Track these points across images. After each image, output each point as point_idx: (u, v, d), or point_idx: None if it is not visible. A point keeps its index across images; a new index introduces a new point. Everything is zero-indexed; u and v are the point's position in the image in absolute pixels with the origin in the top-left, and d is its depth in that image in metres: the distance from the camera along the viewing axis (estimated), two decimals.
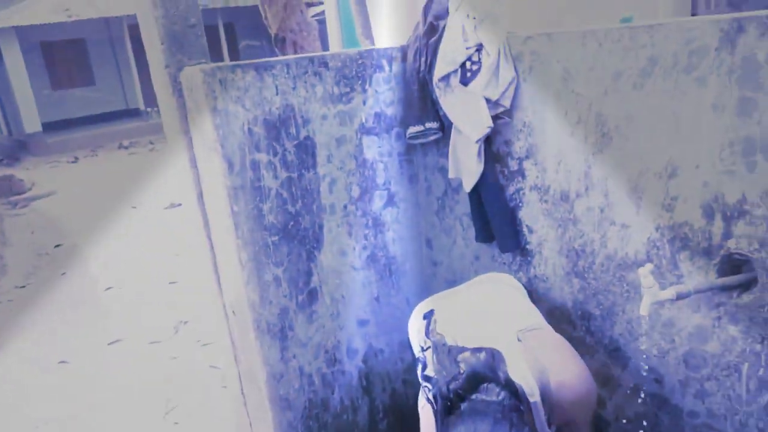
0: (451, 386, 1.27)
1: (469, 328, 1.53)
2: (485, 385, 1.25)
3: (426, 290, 2.17)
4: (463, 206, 2.00)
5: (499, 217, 1.84)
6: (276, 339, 1.80)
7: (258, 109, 1.68)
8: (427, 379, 1.41)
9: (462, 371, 1.28)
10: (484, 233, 1.91)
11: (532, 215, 1.80)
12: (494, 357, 1.30)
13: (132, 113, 15.75)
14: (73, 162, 11.50)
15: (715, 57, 1.30)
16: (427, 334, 1.55)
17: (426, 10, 1.92)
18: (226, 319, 1.92)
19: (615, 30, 1.49)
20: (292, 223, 1.78)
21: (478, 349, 1.32)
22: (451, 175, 1.91)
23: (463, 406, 1.24)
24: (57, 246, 6.27)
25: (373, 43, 3.25)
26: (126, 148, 12.61)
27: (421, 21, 1.92)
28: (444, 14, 1.88)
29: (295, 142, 1.76)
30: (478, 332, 1.49)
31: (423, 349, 1.53)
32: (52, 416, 3.19)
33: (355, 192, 1.95)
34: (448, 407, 1.26)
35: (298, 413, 1.90)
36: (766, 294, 1.31)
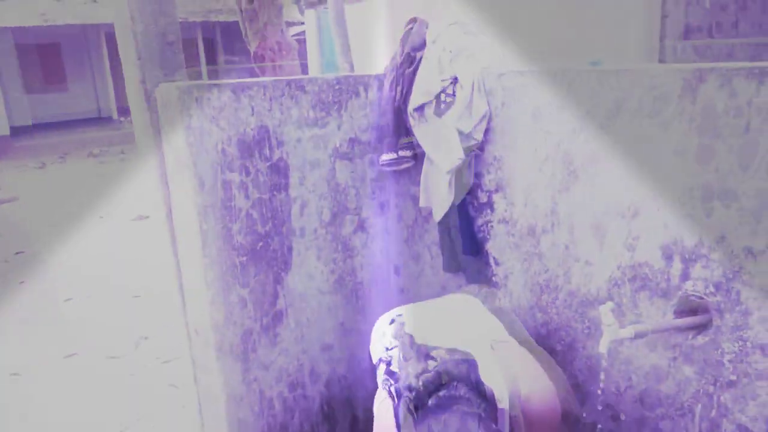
0: (421, 379, 1.29)
1: (440, 332, 1.55)
2: (454, 383, 1.27)
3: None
4: (432, 235, 2.02)
5: (468, 248, 1.86)
6: (238, 361, 1.77)
7: (232, 129, 1.68)
8: (390, 374, 1.43)
9: (434, 366, 1.31)
10: (452, 263, 1.93)
11: (499, 248, 1.83)
12: (467, 359, 1.34)
13: (104, 121, 15.53)
14: (40, 168, 11.25)
15: (678, 104, 1.35)
16: (395, 335, 1.57)
17: (404, 40, 1.96)
18: (188, 337, 1.89)
19: (585, 72, 1.54)
20: (261, 244, 1.78)
21: (454, 350, 1.36)
22: (421, 203, 1.94)
23: (431, 401, 1.26)
24: (17, 253, 6.10)
25: (352, 68, 3.29)
26: (96, 156, 12.39)
27: (399, 51, 1.95)
28: (421, 46, 1.92)
29: (269, 164, 1.76)
30: (450, 336, 1.51)
31: (387, 349, 1.54)
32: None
33: (326, 216, 1.95)
34: (415, 400, 1.27)
35: None
36: (720, 337, 1.35)
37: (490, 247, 1.85)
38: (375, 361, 1.69)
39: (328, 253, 1.98)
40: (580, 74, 1.54)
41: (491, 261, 1.86)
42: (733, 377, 1.34)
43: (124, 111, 14.63)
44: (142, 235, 6.46)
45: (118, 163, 11.62)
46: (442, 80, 1.84)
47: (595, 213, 1.55)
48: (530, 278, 1.76)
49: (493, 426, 1.24)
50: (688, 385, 1.43)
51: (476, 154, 1.81)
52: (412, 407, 1.28)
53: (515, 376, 1.41)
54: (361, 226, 2.08)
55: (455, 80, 1.82)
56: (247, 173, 1.71)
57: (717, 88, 1.28)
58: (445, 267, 1.96)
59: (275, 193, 1.79)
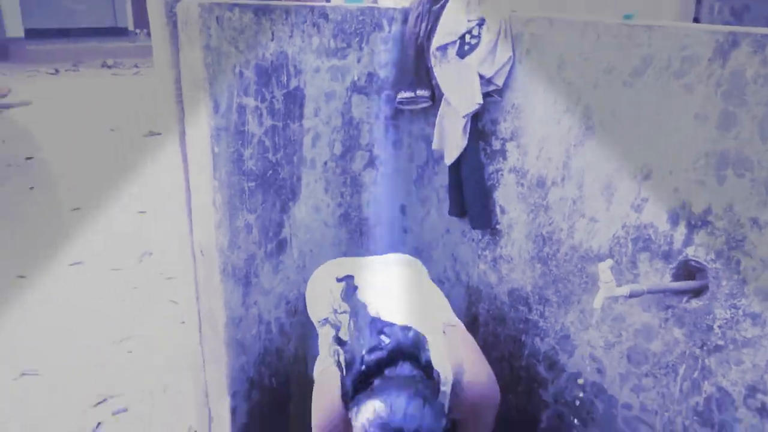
0: (372, 356, 1.26)
1: (392, 304, 1.51)
2: (401, 362, 1.25)
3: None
4: (442, 178, 2.02)
5: (475, 194, 1.86)
6: (240, 284, 1.82)
7: (251, 52, 1.65)
8: (339, 342, 1.40)
9: (386, 343, 1.28)
10: (458, 208, 1.94)
11: (507, 197, 1.83)
12: (419, 339, 1.32)
13: (119, 32, 15.21)
14: (53, 74, 11.13)
15: (707, 67, 1.32)
16: (345, 297, 1.53)
17: None
18: (192, 257, 1.93)
19: (614, 25, 1.50)
20: (270, 171, 1.78)
21: (407, 328, 1.33)
22: (434, 146, 1.93)
23: (377, 381, 1.23)
24: (28, 158, 6.13)
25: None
26: (109, 67, 12.23)
27: None
28: None
29: (285, 91, 1.75)
30: (402, 310, 1.48)
31: (336, 312, 1.51)
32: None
33: (338, 149, 1.95)
34: (362, 375, 1.25)
35: (252, 358, 1.94)
36: (714, 303, 1.37)
37: (498, 195, 1.85)
38: (315, 318, 1.66)
39: (336, 187, 2.00)
40: (610, 27, 1.50)
41: (497, 209, 1.87)
42: (721, 342, 1.37)
43: (140, 23, 14.31)
44: (153, 151, 6.46)
45: (132, 77, 11.49)
46: (469, 21, 1.79)
47: (606, 171, 1.55)
48: (534, 229, 1.77)
49: (438, 406, 1.23)
50: (676, 346, 1.47)
51: (495, 100, 1.79)
52: (357, 382, 1.26)
53: (461, 361, 1.43)
54: (372, 163, 2.08)
55: (482, 22, 1.77)
56: (263, 99, 1.70)
57: (749, 54, 1.25)
58: (451, 211, 1.97)
59: (289, 122, 1.79)
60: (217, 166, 1.68)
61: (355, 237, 2.12)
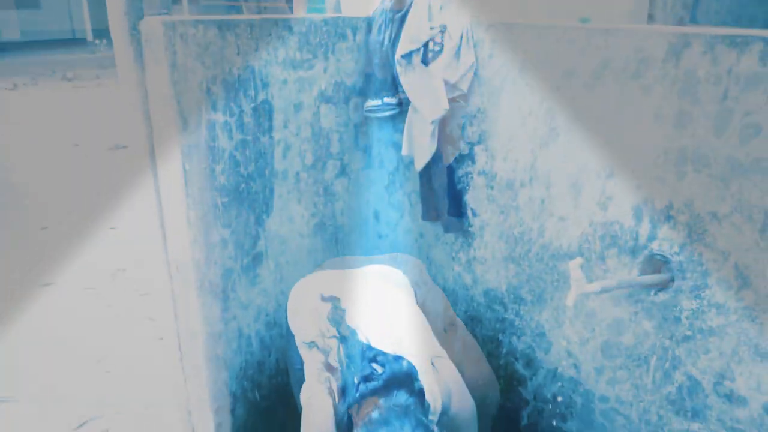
0: (369, 385, 1.26)
1: (382, 331, 1.48)
2: (396, 390, 1.25)
3: (369, 262, 2.22)
4: (413, 184, 2.05)
5: (447, 198, 1.90)
6: (218, 299, 1.82)
7: (217, 68, 1.65)
8: (330, 369, 1.38)
9: (379, 373, 1.28)
10: (431, 212, 1.97)
11: (477, 199, 1.87)
12: (412, 368, 1.32)
13: (78, 43, 14.94)
14: (11, 89, 10.88)
15: (661, 68, 1.37)
16: (333, 322, 1.51)
17: None
18: (168, 273, 1.92)
19: (572, 29, 1.54)
20: (243, 185, 1.79)
21: (400, 357, 1.33)
22: (404, 152, 1.95)
23: (375, 411, 1.23)
24: None
25: (339, 10, 3.21)
26: (70, 80, 11.99)
27: None
28: None
29: (253, 105, 1.75)
30: (392, 339, 1.46)
31: (324, 336, 1.48)
32: None
33: (309, 160, 1.96)
34: (358, 405, 1.25)
35: (234, 372, 1.94)
36: (680, 295, 1.42)
37: (469, 197, 1.89)
38: (300, 337, 1.61)
39: (309, 197, 2.01)
40: (568, 31, 1.54)
41: (469, 212, 1.90)
42: (689, 333, 1.43)
43: (99, 33, 14.06)
44: (119, 165, 6.37)
45: (94, 89, 11.28)
46: (431, 28, 1.82)
47: (572, 170, 1.59)
48: (506, 230, 1.81)
49: None
50: (646, 338, 1.52)
51: (461, 105, 1.83)
52: (352, 413, 1.25)
53: (449, 391, 1.44)
54: (343, 172, 2.10)
55: (444, 29, 1.81)
56: (232, 114, 1.71)
57: (700, 55, 1.30)
58: (424, 216, 2.00)
59: (259, 135, 1.79)
60: (189, 182, 1.68)
61: (330, 245, 2.13)
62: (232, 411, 1.97)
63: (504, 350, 1.91)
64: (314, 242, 2.07)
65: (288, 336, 1.82)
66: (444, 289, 2.06)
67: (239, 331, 1.91)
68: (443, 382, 1.44)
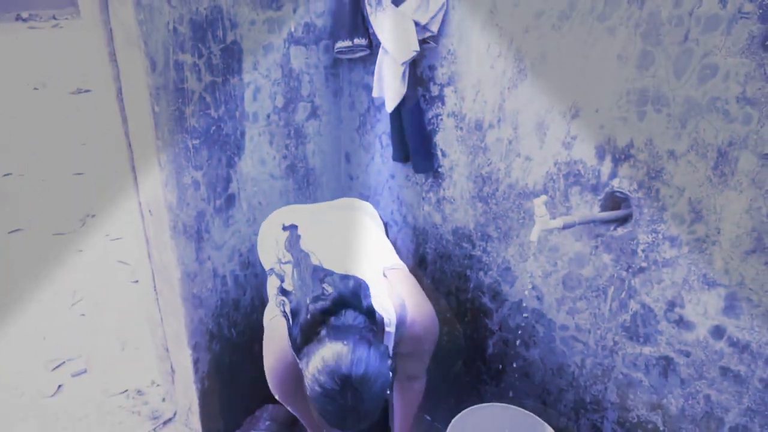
0: (317, 305, 1.29)
1: (334, 252, 1.54)
2: (344, 310, 1.30)
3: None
4: (384, 125, 2.07)
5: (417, 139, 1.92)
6: (192, 240, 1.84)
7: (184, 7, 1.62)
8: (284, 293, 1.42)
9: (329, 293, 1.31)
10: (401, 153, 2.00)
11: (447, 140, 1.90)
12: (360, 286, 1.35)
13: None
14: None
15: (626, 9, 1.40)
16: (288, 247, 1.55)
17: None
18: (141, 217, 1.93)
19: None
20: (214, 128, 1.79)
21: (347, 276, 1.36)
22: (374, 93, 1.96)
23: (323, 329, 1.27)
24: None
25: None
26: (24, 20, 11.45)
27: None
28: None
29: (222, 46, 1.73)
30: (343, 258, 1.52)
31: (281, 262, 1.53)
32: None
33: (279, 102, 1.96)
34: (308, 324, 1.29)
35: (210, 311, 1.99)
36: (637, 229, 1.50)
37: (438, 139, 1.92)
38: (265, 266, 1.69)
39: (281, 139, 2.02)
40: None
41: (438, 152, 1.94)
42: (644, 264, 1.52)
43: None
44: (83, 109, 6.19)
45: (51, 30, 10.81)
46: None
47: (538, 111, 1.63)
48: (474, 170, 1.86)
49: (382, 348, 1.29)
50: (605, 270, 1.61)
51: (431, 46, 1.83)
52: (303, 331, 1.30)
53: (402, 301, 1.50)
54: (314, 114, 2.11)
55: None
56: (200, 55, 1.69)
57: None
58: (395, 156, 2.03)
59: (228, 76, 1.78)
60: (158, 125, 1.67)
61: (302, 187, 2.16)
62: (209, 347, 2.03)
63: (472, 285, 2.00)
64: (286, 184, 2.09)
65: (262, 275, 1.87)
66: (414, 229, 2.12)
67: (214, 271, 1.94)
68: (396, 294, 1.50)
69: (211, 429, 2.17)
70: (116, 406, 2.38)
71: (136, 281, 3.14)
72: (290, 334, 1.34)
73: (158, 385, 2.47)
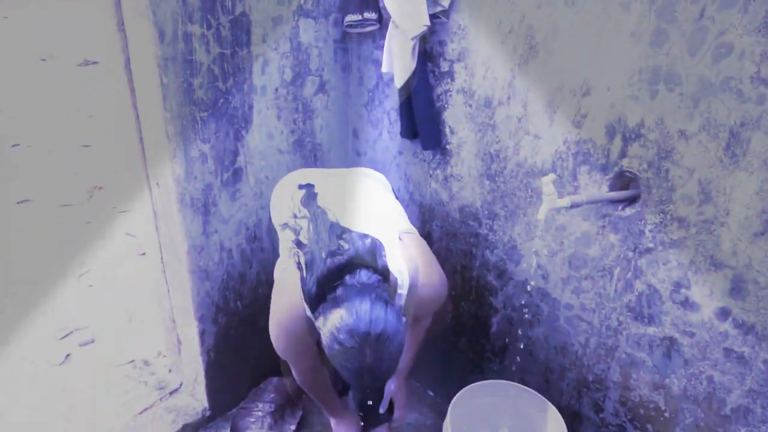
0: (334, 260, 1.29)
1: (351, 211, 1.53)
2: (359, 269, 1.29)
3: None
4: (392, 101, 2.05)
5: (425, 115, 1.91)
6: (199, 213, 1.85)
7: None
8: (299, 245, 1.42)
9: (345, 249, 1.31)
10: (409, 129, 1.99)
11: (455, 117, 1.89)
12: (377, 246, 1.35)
13: None
14: None
15: None
16: (305, 203, 1.54)
17: None
18: (148, 189, 1.93)
19: None
20: (222, 100, 1.78)
21: (365, 235, 1.36)
22: (383, 69, 1.95)
23: (339, 287, 1.27)
24: None
25: None
26: None
27: None
28: None
29: (231, 17, 1.72)
30: (360, 218, 1.51)
31: (296, 217, 1.53)
32: None
33: (288, 75, 1.95)
34: (323, 279, 1.29)
35: (216, 284, 2.00)
36: (645, 209, 1.49)
37: (447, 115, 1.91)
38: (277, 223, 1.67)
39: (289, 113, 2.01)
40: None
41: (447, 129, 1.93)
42: (651, 245, 1.51)
43: None
44: (91, 81, 6.17)
45: (58, 1, 10.71)
46: None
47: (549, 89, 1.62)
48: (482, 148, 1.85)
49: (397, 308, 1.29)
50: (612, 251, 1.61)
51: (442, 21, 1.81)
52: (318, 286, 1.29)
53: (416, 265, 1.50)
54: (322, 88, 2.09)
55: None
56: (209, 26, 1.67)
57: None
58: (403, 133, 2.02)
59: (237, 48, 1.77)
60: (166, 96, 1.67)
61: (309, 162, 2.16)
62: (215, 319, 2.05)
63: (477, 263, 2.00)
64: (293, 158, 2.09)
65: (268, 250, 1.87)
66: (420, 206, 2.12)
67: (221, 245, 1.95)
68: (410, 258, 1.51)
69: (216, 400, 2.20)
70: (123, 376, 2.41)
71: (143, 254, 3.16)
72: (303, 286, 1.34)
73: (165, 356, 2.50)
